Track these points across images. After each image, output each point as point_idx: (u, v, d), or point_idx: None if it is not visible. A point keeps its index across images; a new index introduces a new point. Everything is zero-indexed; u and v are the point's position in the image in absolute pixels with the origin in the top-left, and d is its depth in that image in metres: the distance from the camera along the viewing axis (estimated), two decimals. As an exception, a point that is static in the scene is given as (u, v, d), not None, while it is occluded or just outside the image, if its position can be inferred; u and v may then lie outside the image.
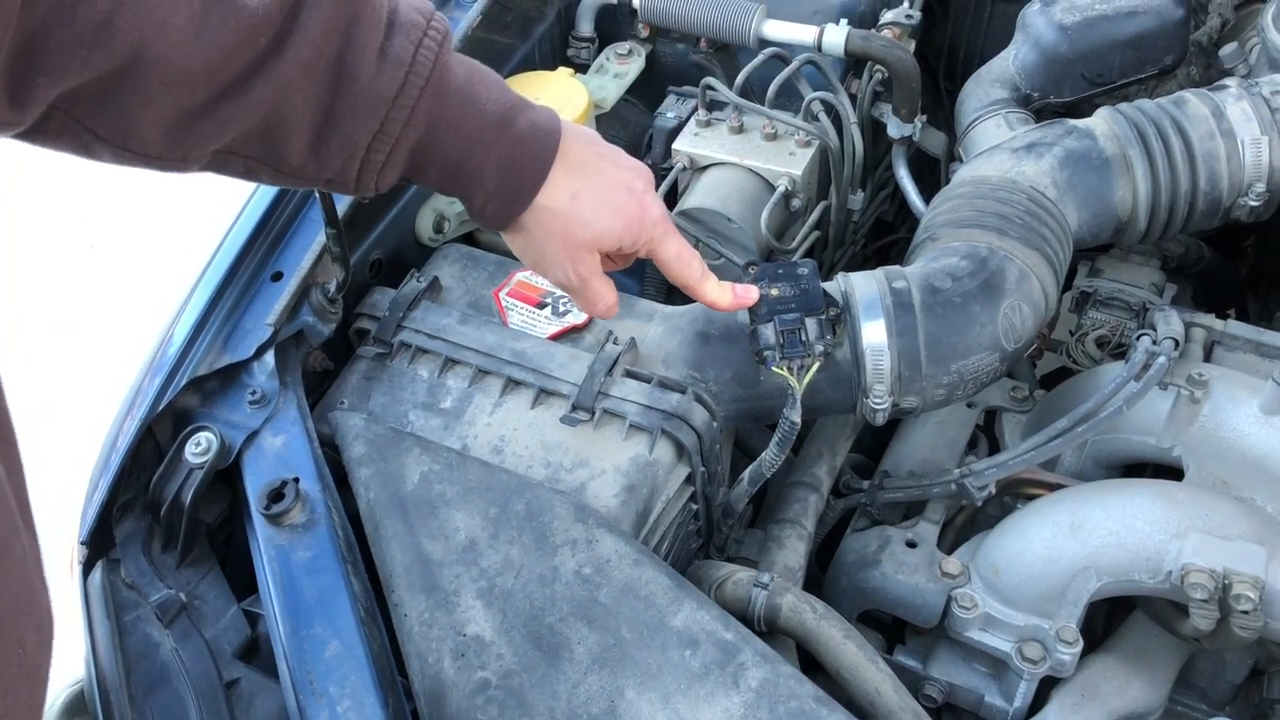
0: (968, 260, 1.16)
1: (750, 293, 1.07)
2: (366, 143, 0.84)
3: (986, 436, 1.38)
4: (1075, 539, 1.07)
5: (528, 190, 0.91)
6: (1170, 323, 1.18)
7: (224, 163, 0.83)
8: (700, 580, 1.12)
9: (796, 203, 1.39)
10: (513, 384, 1.15)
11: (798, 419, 1.07)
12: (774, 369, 1.06)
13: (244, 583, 1.07)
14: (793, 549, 1.18)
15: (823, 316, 1.08)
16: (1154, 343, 1.15)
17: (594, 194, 0.93)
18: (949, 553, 1.20)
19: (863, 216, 1.53)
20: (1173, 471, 1.18)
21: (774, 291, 1.09)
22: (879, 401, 1.12)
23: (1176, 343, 1.15)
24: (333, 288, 1.19)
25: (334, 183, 0.87)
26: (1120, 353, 1.45)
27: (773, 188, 1.38)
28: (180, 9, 0.72)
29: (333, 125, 0.82)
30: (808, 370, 1.06)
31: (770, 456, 1.11)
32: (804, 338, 1.07)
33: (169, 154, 0.79)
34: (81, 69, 0.70)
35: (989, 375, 1.15)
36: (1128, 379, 1.12)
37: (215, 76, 0.76)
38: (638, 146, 1.57)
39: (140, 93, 0.73)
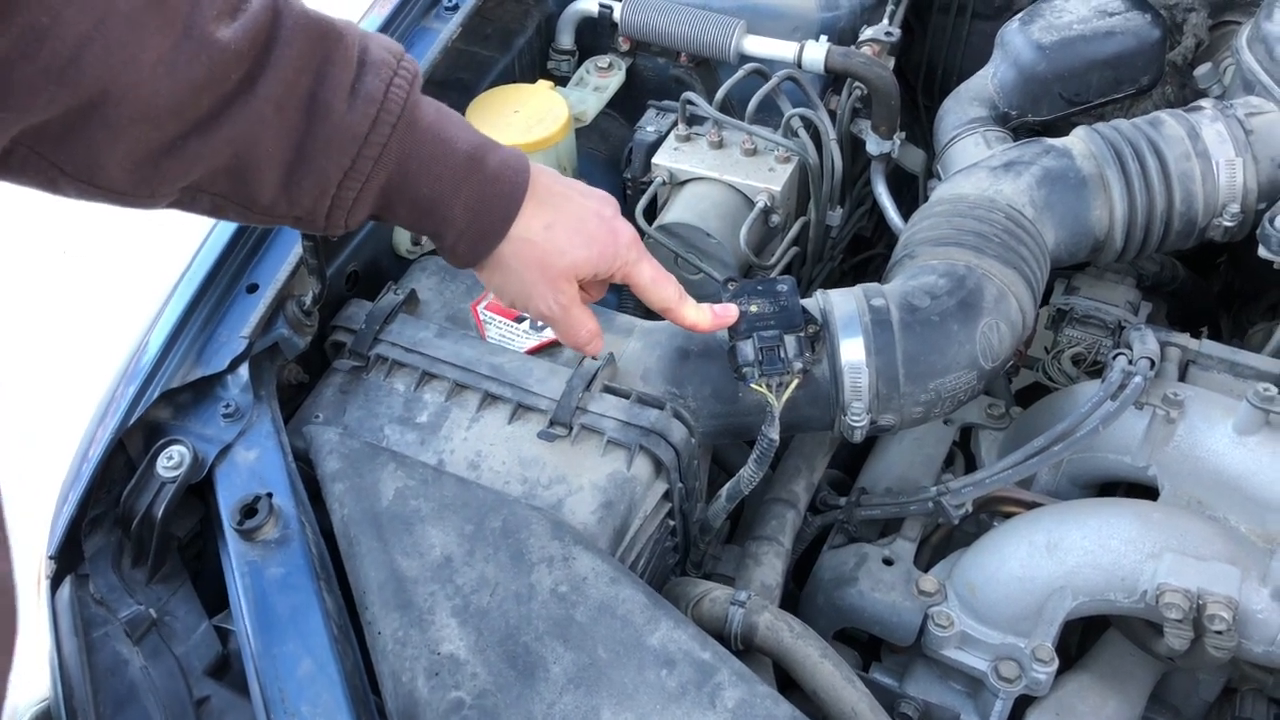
0: (946, 279, 1.16)
1: (730, 312, 1.08)
2: (338, 180, 0.84)
3: (963, 453, 1.38)
4: (1051, 558, 1.07)
5: (499, 227, 0.92)
6: (1146, 342, 1.18)
7: (192, 200, 0.82)
8: (677, 598, 1.12)
9: (775, 218, 1.39)
10: (490, 399, 1.14)
11: (776, 436, 1.07)
12: (753, 386, 1.06)
13: (216, 598, 1.05)
14: (770, 566, 1.18)
15: (801, 334, 1.08)
16: (1130, 362, 1.16)
17: (567, 223, 0.95)
18: (925, 570, 1.20)
19: (841, 232, 1.53)
20: (1148, 490, 1.18)
21: (753, 308, 1.09)
22: (857, 419, 1.12)
23: (1152, 362, 1.15)
24: (308, 300, 1.18)
25: (303, 220, 0.87)
26: (1096, 370, 1.45)
27: (752, 203, 1.38)
28: (150, 45, 0.71)
29: (304, 163, 0.82)
30: (786, 387, 1.06)
31: (748, 474, 1.10)
32: (783, 355, 1.07)
33: (136, 190, 0.78)
34: (48, 104, 0.69)
35: (966, 394, 1.15)
36: (1104, 398, 1.12)
37: (185, 113, 0.75)
38: (618, 160, 1.56)
39: (108, 129, 0.72)
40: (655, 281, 1.02)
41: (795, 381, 1.06)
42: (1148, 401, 1.14)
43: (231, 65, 0.76)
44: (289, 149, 0.81)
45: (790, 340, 1.07)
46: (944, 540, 1.27)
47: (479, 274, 0.98)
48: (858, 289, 1.17)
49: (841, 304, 1.15)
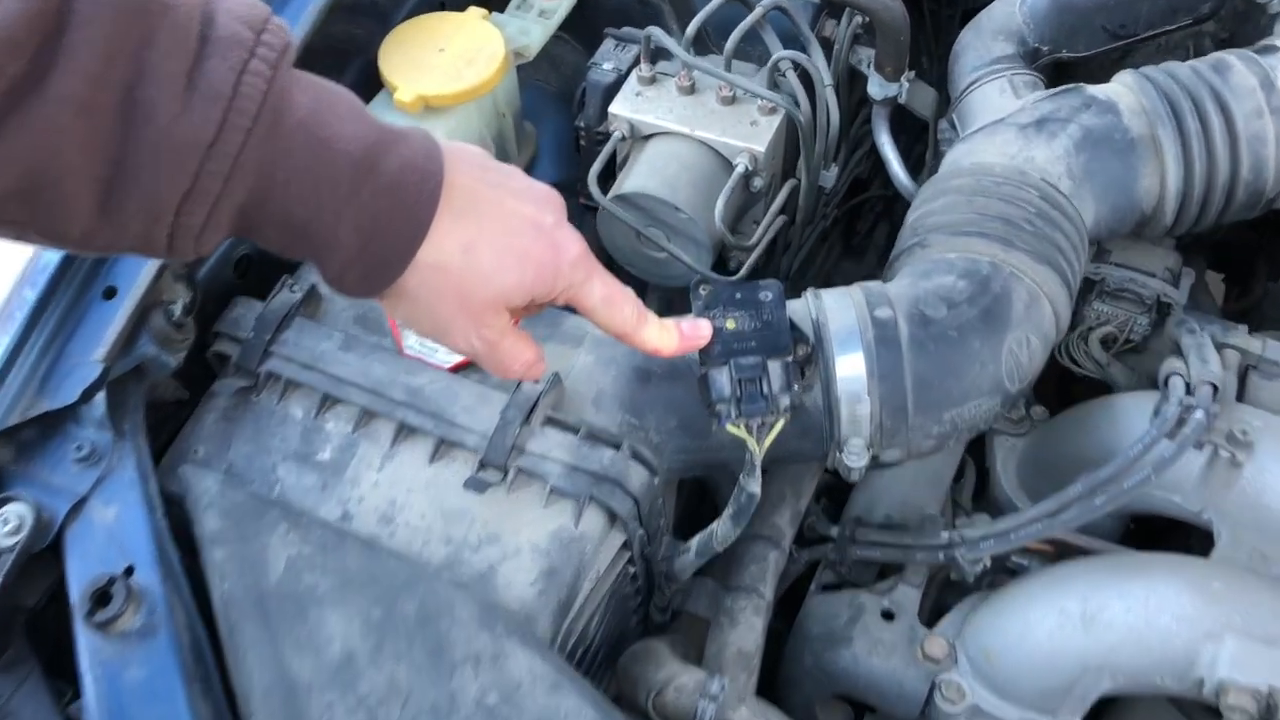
0: (966, 280, 0.95)
1: (701, 329, 0.86)
2: (175, 204, 0.62)
3: (974, 461, 1.18)
4: (1087, 634, 0.89)
5: (400, 253, 0.70)
6: (1206, 360, 0.97)
7: None
8: (636, 680, 0.94)
9: (758, 182, 1.16)
10: (407, 430, 0.94)
11: (756, 489, 0.87)
12: (728, 427, 0.85)
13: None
14: (748, 626, 1.00)
15: (789, 359, 0.86)
16: (1188, 389, 0.95)
17: (493, 239, 0.73)
18: (930, 616, 1.02)
19: (835, 188, 1.29)
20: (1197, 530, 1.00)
21: (730, 324, 0.87)
22: (855, 457, 0.92)
23: (1215, 389, 0.95)
24: (179, 309, 0.96)
25: (139, 249, 0.66)
26: (1129, 349, 1.25)
27: (730, 165, 1.14)
28: None
29: (126, 182, 0.61)
30: (770, 429, 0.85)
31: (722, 531, 0.91)
32: (766, 389, 0.85)
33: None
34: None
35: (986, 421, 0.95)
36: (1158, 437, 0.92)
37: None
38: (571, 94, 1.31)
39: None
40: (608, 302, 0.80)
41: (781, 422, 0.85)
42: (1209, 439, 0.94)
43: (5, 57, 0.56)
44: (104, 164, 0.60)
45: (775, 368, 0.86)
46: (950, 580, 1.09)
47: (380, 303, 0.76)
48: (857, 291, 0.96)
49: (838, 313, 0.93)
